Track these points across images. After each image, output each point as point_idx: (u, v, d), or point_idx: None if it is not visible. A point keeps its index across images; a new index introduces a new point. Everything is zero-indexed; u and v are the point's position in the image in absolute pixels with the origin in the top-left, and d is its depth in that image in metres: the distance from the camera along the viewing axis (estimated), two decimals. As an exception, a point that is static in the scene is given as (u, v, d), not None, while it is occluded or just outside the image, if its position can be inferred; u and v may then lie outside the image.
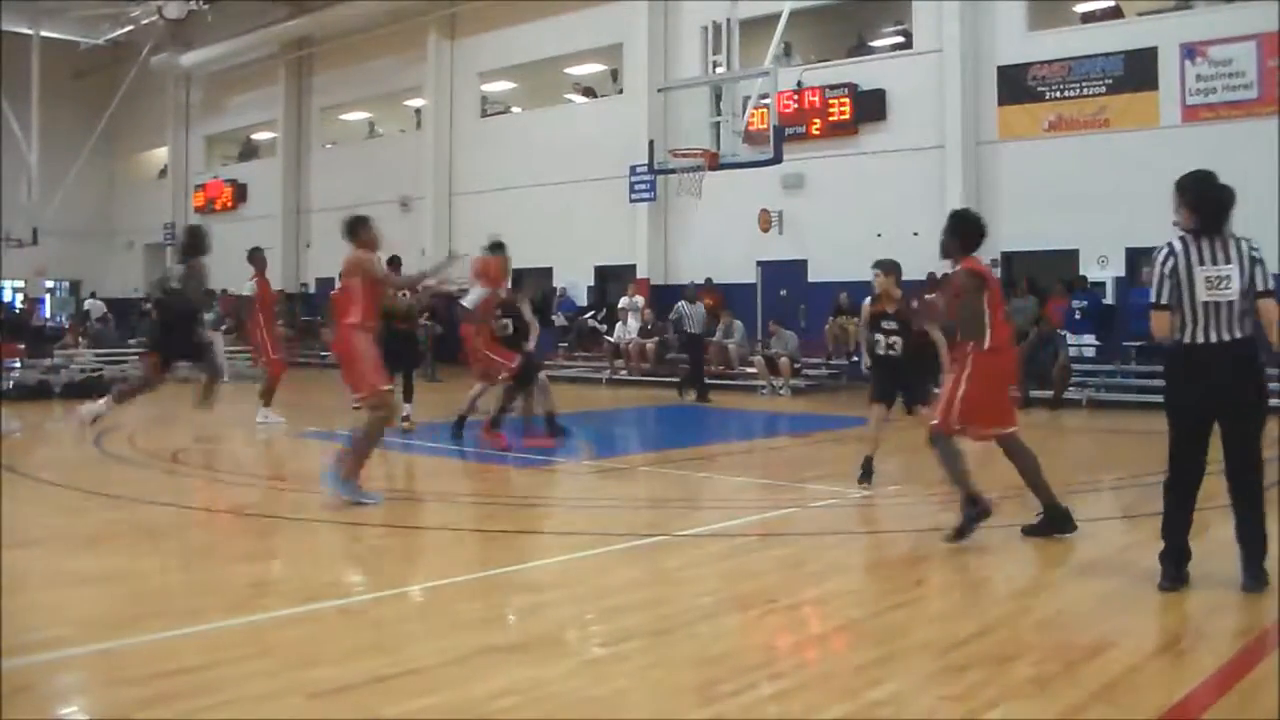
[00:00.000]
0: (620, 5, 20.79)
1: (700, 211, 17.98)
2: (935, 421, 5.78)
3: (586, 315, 20.54)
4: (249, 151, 31.80)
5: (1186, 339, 4.70)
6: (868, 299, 8.04)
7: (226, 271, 25.48)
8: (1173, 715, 3.41)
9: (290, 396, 14.05)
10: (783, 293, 18.78)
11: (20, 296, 28.70)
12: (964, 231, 6.03)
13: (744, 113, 12.01)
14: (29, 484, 8.04)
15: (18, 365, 16.72)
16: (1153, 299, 4.75)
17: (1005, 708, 3.47)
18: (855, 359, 17.40)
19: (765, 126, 12.40)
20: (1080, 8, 17.22)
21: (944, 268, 16.63)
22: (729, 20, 12.09)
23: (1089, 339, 15.10)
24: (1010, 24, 16.60)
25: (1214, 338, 4.65)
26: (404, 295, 10.41)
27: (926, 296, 17.52)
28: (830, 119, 18.00)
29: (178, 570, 5.53)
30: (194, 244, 9.89)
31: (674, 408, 15.28)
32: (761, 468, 9.18)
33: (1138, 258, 14.89)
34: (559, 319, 20.36)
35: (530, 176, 22.03)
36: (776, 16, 12.33)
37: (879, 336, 7.84)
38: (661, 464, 9.36)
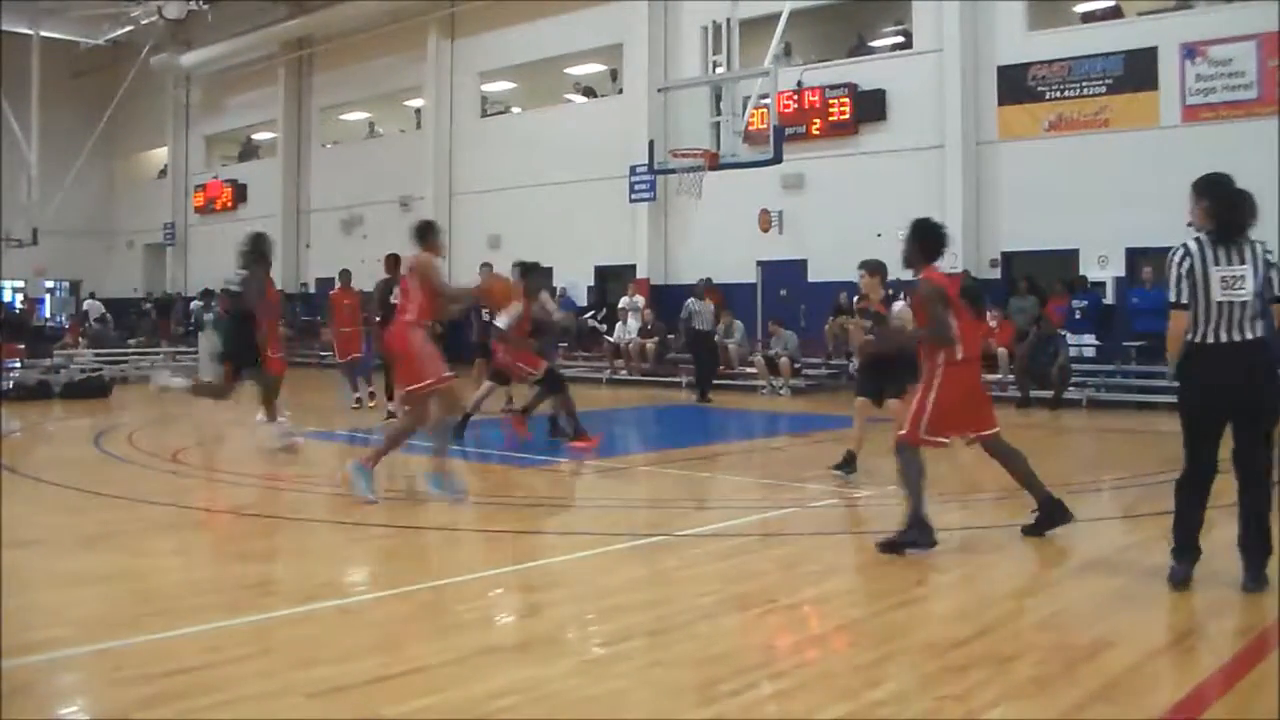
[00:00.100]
0: (620, 5, 20.78)
1: (700, 211, 17.98)
2: (902, 431, 5.72)
3: (586, 315, 20.54)
4: (249, 151, 31.80)
5: (1198, 338, 4.72)
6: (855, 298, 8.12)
7: (226, 272, 25.64)
8: (1173, 715, 3.41)
9: (290, 396, 14.03)
10: (783, 293, 18.78)
11: (20, 296, 28.70)
12: (925, 241, 5.95)
13: (744, 113, 12.00)
14: (29, 484, 8.04)
15: (18, 365, 16.72)
16: (1172, 299, 4.75)
17: (1005, 708, 3.48)
18: (855, 358, 17.44)
19: (765, 126, 12.40)
20: (1080, 8, 17.22)
21: (946, 266, 16.61)
22: (729, 20, 12.09)
23: (1089, 339, 15.10)
24: (1010, 24, 16.59)
25: (1225, 337, 4.67)
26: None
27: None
28: (830, 119, 18.00)
29: (177, 570, 5.53)
30: (254, 250, 9.95)
31: (674, 407, 15.28)
32: (761, 468, 9.18)
33: (1138, 258, 14.90)
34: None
35: (530, 176, 22.03)
36: (776, 16, 12.32)
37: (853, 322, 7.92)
38: (661, 464, 9.36)
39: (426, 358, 7.06)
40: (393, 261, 12.73)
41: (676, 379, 17.70)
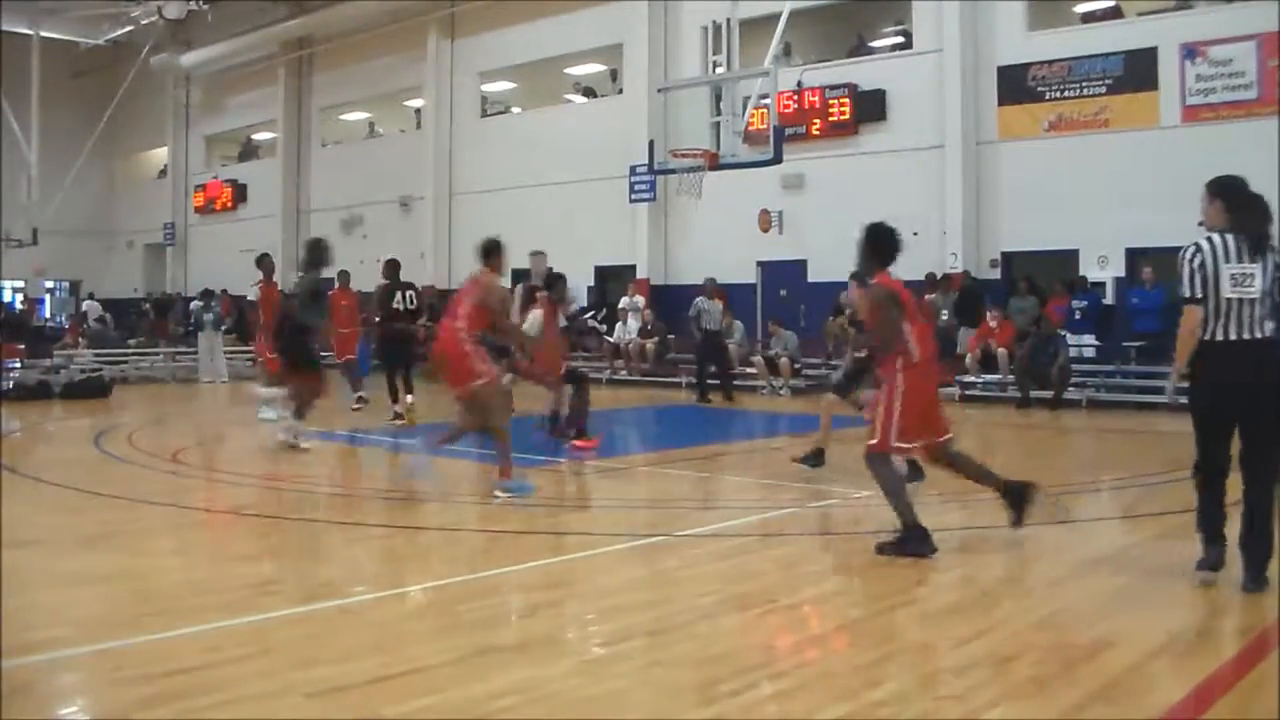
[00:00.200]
0: (620, 5, 20.78)
1: (700, 211, 17.98)
2: (873, 441, 5.69)
3: (586, 315, 20.53)
4: (249, 151, 31.80)
5: (1209, 336, 4.74)
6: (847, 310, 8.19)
7: (226, 272, 25.67)
8: (1173, 715, 3.41)
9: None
10: (783, 293, 18.78)
11: (20, 296, 28.69)
12: (878, 246, 5.96)
13: (744, 113, 12.00)
14: (29, 484, 8.04)
15: (18, 365, 16.72)
16: (1185, 294, 4.76)
17: (1005, 708, 3.48)
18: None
19: (765, 126, 12.39)
20: (1080, 8, 17.21)
21: (946, 266, 16.53)
22: (729, 20, 12.08)
23: (1089, 339, 15.10)
24: (1010, 24, 16.59)
25: (1234, 335, 4.70)
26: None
27: (927, 297, 17.60)
28: (830, 119, 18.00)
29: (177, 570, 5.53)
30: (310, 257, 10.14)
31: (674, 407, 15.28)
32: (761, 468, 9.18)
33: (1137, 258, 14.90)
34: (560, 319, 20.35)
35: (530, 176, 22.03)
36: (776, 16, 12.32)
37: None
38: (661, 464, 9.36)
39: (476, 358, 7.29)
40: (392, 266, 12.72)
41: (676, 379, 17.69)
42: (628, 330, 18.81)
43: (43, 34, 27.05)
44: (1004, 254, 16.73)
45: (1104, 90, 15.56)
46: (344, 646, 4.10)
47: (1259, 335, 4.70)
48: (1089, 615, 4.58)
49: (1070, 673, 3.77)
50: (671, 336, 18.56)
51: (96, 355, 19.60)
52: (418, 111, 26.10)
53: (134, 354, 21.16)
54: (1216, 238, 4.77)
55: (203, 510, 7.31)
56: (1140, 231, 14.90)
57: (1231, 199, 4.84)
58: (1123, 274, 15.30)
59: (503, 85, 24.96)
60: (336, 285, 14.52)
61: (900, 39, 18.84)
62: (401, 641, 4.18)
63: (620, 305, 19.36)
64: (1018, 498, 5.83)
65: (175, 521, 6.76)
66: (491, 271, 7.63)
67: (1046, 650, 4.04)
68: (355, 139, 28.32)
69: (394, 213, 25.26)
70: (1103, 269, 15.60)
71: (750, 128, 12.20)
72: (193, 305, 22.02)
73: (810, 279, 18.26)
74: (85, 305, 27.68)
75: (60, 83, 28.61)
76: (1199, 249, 4.76)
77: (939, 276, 16.59)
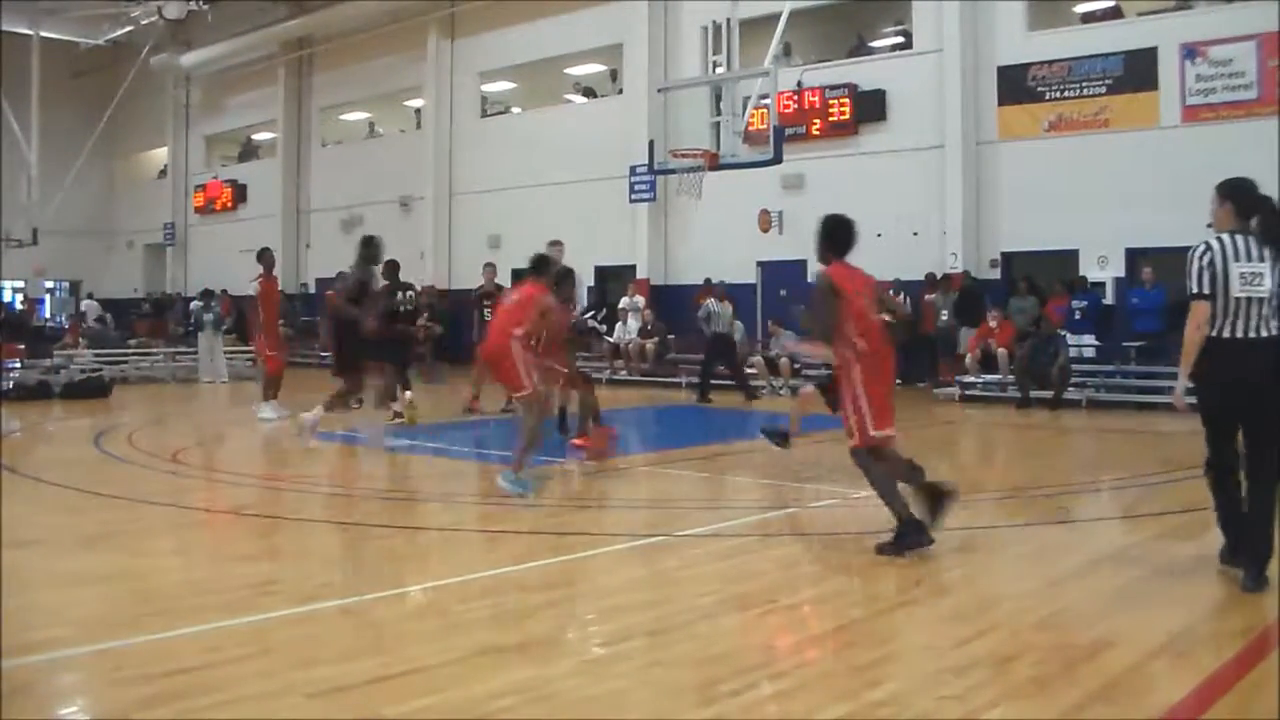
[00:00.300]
0: (620, 5, 20.79)
1: (700, 211, 17.98)
2: (853, 442, 5.68)
3: (586, 315, 20.52)
4: (249, 151, 31.80)
5: (1215, 333, 4.79)
6: None
7: (226, 272, 25.66)
8: (1173, 715, 3.41)
9: (290, 397, 14.04)
10: (783, 293, 18.77)
11: (20, 296, 28.70)
12: (832, 236, 5.98)
13: (744, 113, 11.99)
14: (29, 484, 8.04)
15: (18, 365, 16.72)
16: (1194, 289, 4.80)
17: (1005, 708, 3.48)
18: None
19: (765, 127, 12.39)
20: (1080, 8, 17.21)
21: (946, 266, 16.52)
22: (729, 20, 12.08)
23: (1089, 339, 15.10)
24: (1010, 24, 16.60)
25: (1241, 333, 4.75)
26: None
27: (927, 297, 17.58)
28: (830, 119, 18.00)
29: (177, 570, 5.53)
30: (365, 253, 10.37)
31: (674, 407, 15.28)
32: (761, 468, 9.17)
33: (1137, 258, 14.91)
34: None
35: (530, 176, 22.03)
36: (776, 16, 12.31)
37: None
38: (661, 464, 9.36)
39: (523, 370, 7.56)
40: (392, 268, 12.73)
41: (676, 379, 17.69)
42: (628, 330, 18.80)
43: (43, 34, 27.05)
44: (1004, 254, 16.74)
45: (1104, 90, 15.56)
46: (344, 646, 4.10)
47: (1265, 334, 4.75)
48: (1089, 615, 4.58)
49: (1070, 673, 3.77)
50: (671, 336, 18.55)
51: (96, 355, 19.59)
52: (418, 111, 26.10)
53: (134, 354, 21.16)
54: (1226, 237, 4.82)
55: (203, 510, 7.31)
56: (1140, 231, 14.90)
57: (1242, 201, 4.90)
58: (1123, 274, 15.30)
59: (503, 85, 24.96)
60: (334, 286, 14.50)
61: (900, 39, 18.84)
62: (401, 641, 4.18)
63: (620, 305, 19.35)
64: (936, 501, 5.75)
65: (175, 521, 6.76)
66: (544, 288, 7.93)
67: (1046, 650, 4.04)
68: (355, 139, 28.33)
69: (394, 213, 25.26)
70: (1103, 269, 15.61)
71: (750, 128, 12.20)
72: (193, 305, 22.03)
73: (810, 279, 18.24)
74: (84, 305, 27.68)
75: (60, 83, 28.62)
76: (1209, 248, 4.81)
77: (939, 276, 16.60)
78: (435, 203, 24.45)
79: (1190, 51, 14.78)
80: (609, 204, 20.69)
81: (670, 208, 19.76)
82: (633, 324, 18.82)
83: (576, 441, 9.76)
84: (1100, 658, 3.92)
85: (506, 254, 20.60)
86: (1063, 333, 14.55)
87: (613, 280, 21.32)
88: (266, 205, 28.44)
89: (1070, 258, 15.94)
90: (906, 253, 16.98)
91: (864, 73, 18.11)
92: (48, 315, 29.29)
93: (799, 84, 17.96)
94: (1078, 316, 15.06)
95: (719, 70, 12.20)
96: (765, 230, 18.87)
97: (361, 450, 10.37)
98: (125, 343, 22.09)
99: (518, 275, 11.65)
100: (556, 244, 11.44)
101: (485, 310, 13.14)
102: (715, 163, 11.98)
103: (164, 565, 5.60)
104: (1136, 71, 15.24)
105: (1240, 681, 3.73)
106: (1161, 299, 13.97)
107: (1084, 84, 15.76)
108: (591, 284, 21.66)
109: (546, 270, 8.15)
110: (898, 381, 17.66)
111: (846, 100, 17.86)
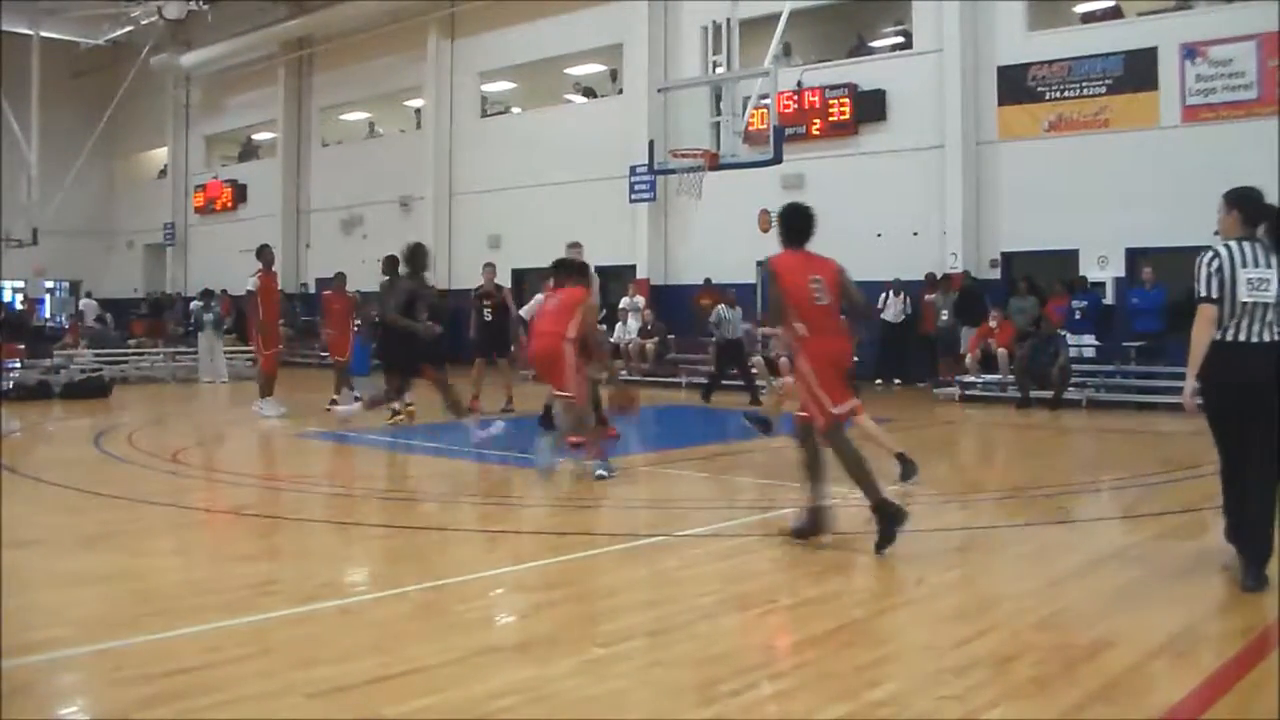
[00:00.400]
0: (620, 5, 20.79)
1: (700, 211, 17.98)
2: (818, 424, 5.74)
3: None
4: (249, 151, 31.80)
5: (1220, 336, 4.89)
6: None
7: (226, 272, 25.66)
8: (1173, 715, 3.41)
9: (290, 396, 14.05)
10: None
11: (20, 296, 28.69)
12: (785, 224, 6.12)
13: (744, 113, 11.99)
14: (29, 484, 8.04)
15: (18, 365, 16.72)
16: (1202, 293, 4.89)
17: (1005, 708, 3.48)
18: (855, 358, 17.37)
19: (765, 127, 12.38)
20: (1080, 8, 17.21)
21: (946, 266, 16.50)
22: (729, 20, 12.07)
23: (1089, 339, 15.10)
24: (1010, 24, 16.59)
25: (1246, 337, 4.85)
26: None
27: (927, 297, 17.55)
28: (830, 119, 18.00)
29: (177, 570, 5.53)
30: (414, 262, 10.38)
31: (674, 408, 15.27)
32: (761, 468, 9.17)
33: (1137, 258, 14.91)
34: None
35: (530, 176, 22.03)
36: (776, 16, 12.31)
37: None
38: (661, 464, 9.36)
39: (572, 373, 7.98)
40: (391, 263, 12.74)
41: (677, 379, 17.69)
42: (628, 330, 18.80)
43: (43, 34, 27.04)
44: (1004, 254, 16.73)
45: (1104, 90, 15.56)
46: (344, 646, 4.10)
47: (1270, 338, 4.86)
48: (1089, 615, 4.58)
49: (1070, 673, 3.77)
50: (671, 336, 18.55)
51: (96, 355, 19.59)
52: (418, 111, 26.10)
53: (134, 354, 21.16)
54: (1234, 244, 4.94)
55: (203, 510, 7.31)
56: (1140, 231, 14.91)
57: (1249, 209, 5.03)
58: (1123, 274, 15.30)
59: (503, 85, 24.96)
60: (332, 287, 14.51)
61: (900, 39, 18.84)
62: (401, 641, 4.17)
63: (620, 305, 19.35)
64: (807, 526, 5.81)
65: (175, 521, 6.76)
66: (586, 289, 8.31)
67: (1046, 650, 4.04)
68: (355, 139, 28.32)
69: (394, 213, 25.27)
70: (1103, 269, 15.60)
71: (750, 128, 12.19)
72: (193, 305, 22.03)
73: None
74: (82, 304, 27.67)
75: (60, 83, 28.61)
76: (1217, 254, 4.93)
77: (939, 276, 16.60)
78: (435, 203, 24.45)
79: (1190, 51, 14.78)
80: (609, 204, 20.68)
81: (670, 208, 19.76)
82: (633, 324, 18.82)
83: (572, 439, 9.77)
84: (1100, 658, 3.92)
85: (506, 254, 20.62)
86: (1063, 333, 14.55)
87: (613, 280, 21.29)
88: (266, 205, 28.43)
89: (1070, 258, 15.93)
90: (906, 253, 16.98)
91: (864, 73, 18.11)
92: (48, 315, 29.30)
93: (799, 84, 17.96)
94: (1078, 316, 15.06)
95: (719, 70, 12.20)
96: (765, 230, 18.80)
97: (362, 450, 10.36)
98: (125, 342, 22.09)
99: (519, 275, 11.63)
100: (575, 245, 11.45)
101: (485, 310, 13.13)
102: (715, 163, 11.98)
103: (164, 565, 5.60)
104: (1136, 71, 15.23)
105: (1240, 681, 3.73)
106: (1161, 299, 13.97)
107: (1084, 84, 15.75)
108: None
109: (586, 272, 8.53)
110: (896, 381, 17.62)
111: (846, 100, 17.86)
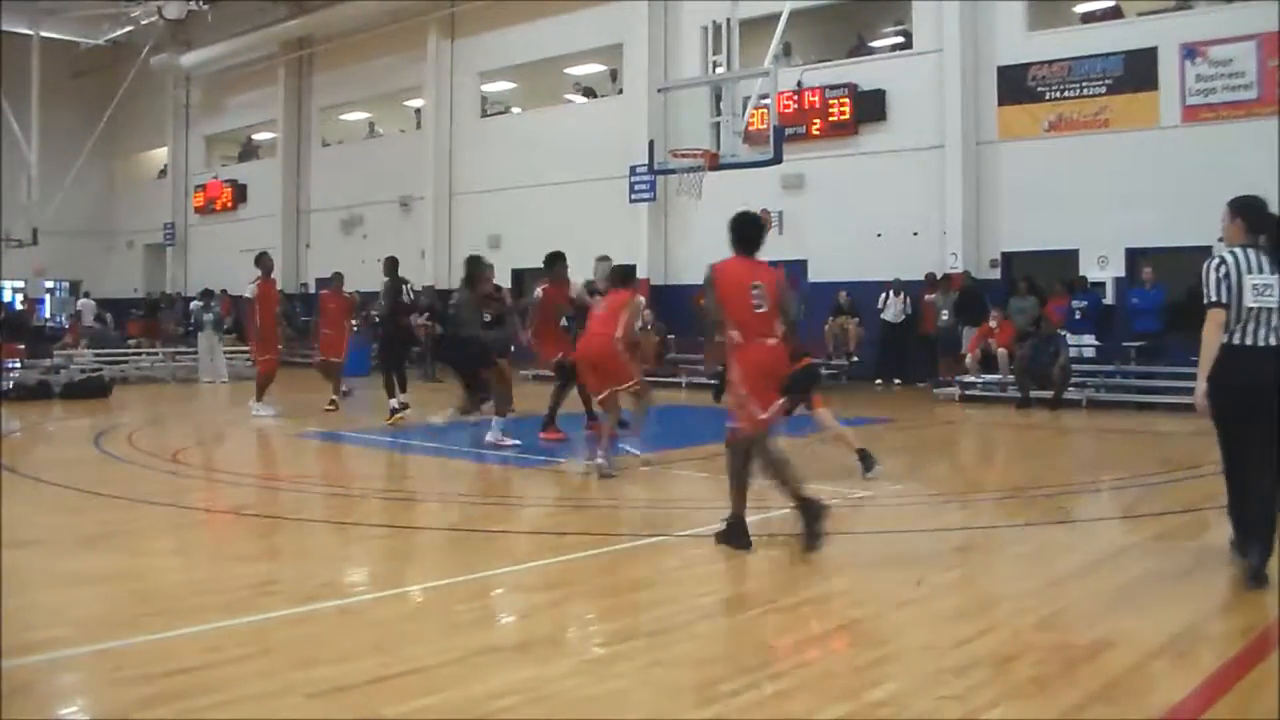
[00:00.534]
0: (620, 5, 20.78)
1: (700, 211, 17.94)
2: (745, 430, 5.72)
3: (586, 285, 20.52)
4: (249, 151, 31.79)
5: (1226, 339, 4.99)
6: None
7: (226, 272, 25.67)
8: (1173, 715, 3.41)
9: (289, 396, 14.06)
10: (783, 292, 18.75)
11: (20, 296, 28.68)
12: (732, 232, 6.31)
13: (744, 113, 11.98)
14: (29, 484, 8.04)
15: (18, 365, 16.71)
16: (1212, 298, 5.00)
17: (1005, 708, 3.48)
18: (855, 359, 17.42)
19: (765, 127, 12.38)
20: (1080, 8, 17.21)
21: (946, 266, 16.50)
22: (729, 20, 12.06)
23: (1089, 339, 15.09)
24: (1010, 24, 16.59)
25: (1251, 341, 4.96)
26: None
27: (927, 297, 17.55)
28: (830, 119, 17.99)
29: (177, 570, 5.53)
30: (469, 274, 10.57)
31: (674, 408, 15.26)
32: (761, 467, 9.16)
33: (1137, 258, 14.90)
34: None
35: (530, 176, 22.02)
36: (776, 16, 12.31)
37: None
38: (662, 464, 9.36)
39: (629, 366, 8.63)
40: (393, 263, 12.77)
41: (677, 379, 17.69)
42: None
43: (43, 34, 27.04)
44: (1004, 254, 16.73)
45: (1104, 90, 15.55)
46: (344, 646, 4.10)
47: (1274, 342, 4.97)
48: (1089, 615, 4.58)
49: (1070, 673, 3.77)
50: (672, 336, 18.54)
51: (96, 355, 19.59)
52: (418, 111, 26.09)
53: (134, 354, 21.16)
54: (1239, 251, 5.06)
55: (203, 510, 7.31)
56: (1140, 231, 14.90)
57: (1252, 218, 5.15)
58: (1123, 274, 15.29)
59: (503, 85, 24.95)
60: (329, 286, 14.51)
61: (900, 39, 18.83)
62: (401, 641, 4.17)
63: (620, 305, 19.31)
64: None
65: (175, 521, 6.76)
66: (632, 292, 9.02)
67: (1046, 650, 4.04)
68: (355, 139, 28.31)
69: (394, 213, 25.27)
70: (1103, 269, 15.60)
71: (750, 128, 12.18)
72: (193, 305, 22.02)
73: (810, 279, 18.24)
74: (80, 304, 27.63)
75: (60, 83, 28.60)
76: (1224, 261, 5.04)
77: (939, 276, 16.59)
78: (435, 203, 24.45)
79: (1190, 51, 14.77)
80: (609, 204, 20.68)
81: (670, 208, 19.75)
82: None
83: (544, 435, 10.07)
84: (1100, 658, 3.92)
85: (506, 254, 20.59)
86: (1063, 333, 14.54)
87: (612, 280, 21.30)
88: (266, 205, 28.43)
89: (1070, 258, 15.93)
90: (906, 253, 16.97)
91: (864, 73, 18.10)
92: (48, 315, 29.27)
93: (799, 84, 17.95)
94: (1078, 316, 15.05)
95: (719, 70, 12.19)
96: (766, 230, 18.84)
97: (360, 450, 10.36)
98: (125, 342, 22.08)
99: (519, 275, 11.64)
100: (604, 259, 11.55)
101: (485, 310, 13.14)
102: (715, 163, 11.97)
103: (164, 565, 5.60)
104: (1136, 71, 15.23)
105: (1240, 681, 3.74)
106: (1161, 299, 13.96)
107: (1084, 84, 15.75)
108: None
109: (633, 277, 9.46)
110: (897, 381, 17.55)
111: (846, 100, 17.85)
